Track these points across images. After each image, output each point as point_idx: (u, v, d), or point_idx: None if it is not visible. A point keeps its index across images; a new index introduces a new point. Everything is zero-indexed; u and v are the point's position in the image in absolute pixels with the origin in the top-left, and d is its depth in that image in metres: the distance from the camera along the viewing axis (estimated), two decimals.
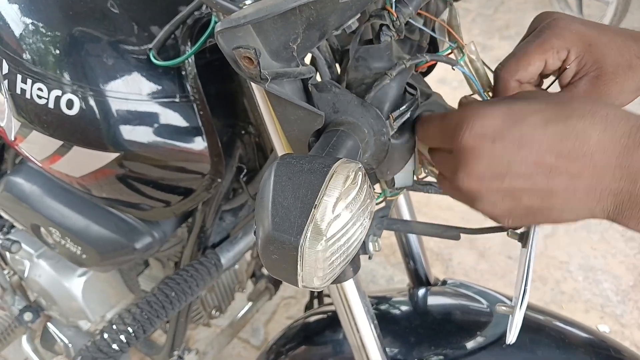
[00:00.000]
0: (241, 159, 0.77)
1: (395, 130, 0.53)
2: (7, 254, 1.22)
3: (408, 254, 0.93)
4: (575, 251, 2.04)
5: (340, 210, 0.37)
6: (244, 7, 0.48)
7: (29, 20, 0.66)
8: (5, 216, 1.02)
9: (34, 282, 1.19)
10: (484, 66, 0.58)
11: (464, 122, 0.43)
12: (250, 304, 1.30)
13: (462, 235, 0.64)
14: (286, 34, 0.48)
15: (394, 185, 0.58)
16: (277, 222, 0.35)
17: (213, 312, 1.11)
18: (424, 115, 0.53)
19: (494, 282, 1.99)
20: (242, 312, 1.28)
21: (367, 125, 0.52)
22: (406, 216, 0.90)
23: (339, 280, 0.63)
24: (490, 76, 0.59)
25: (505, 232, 0.61)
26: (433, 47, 0.68)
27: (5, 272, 1.30)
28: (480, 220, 0.55)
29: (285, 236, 0.35)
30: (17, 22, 0.66)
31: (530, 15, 3.21)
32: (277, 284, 1.29)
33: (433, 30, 0.62)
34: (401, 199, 0.89)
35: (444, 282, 0.93)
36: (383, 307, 0.91)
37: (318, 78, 0.56)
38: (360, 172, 0.40)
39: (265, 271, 1.33)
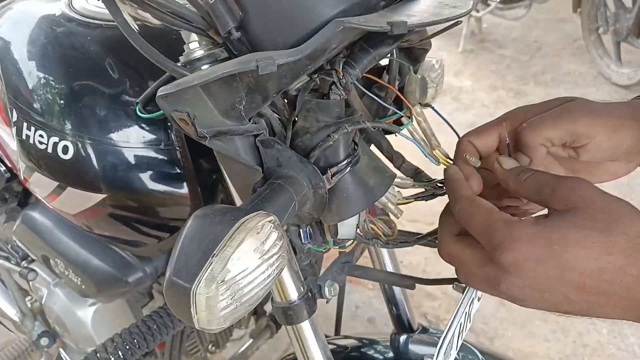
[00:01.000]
0: (222, 201, 0.83)
1: (332, 184, 0.57)
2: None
3: (391, 301, 0.95)
4: None
5: (241, 260, 0.41)
6: (194, 72, 0.55)
7: (36, 75, 0.75)
8: (22, 247, 1.11)
9: (51, 309, 1.28)
10: (430, 129, 0.62)
11: (506, 240, 0.44)
12: (250, 340, 1.33)
13: None
14: (231, 97, 0.54)
15: (337, 235, 0.62)
16: (177, 269, 0.40)
17: (210, 347, 1.16)
18: (471, 196, 0.52)
19: (513, 331, 1.95)
20: (242, 348, 1.32)
21: (306, 179, 0.56)
22: (388, 265, 0.92)
23: (294, 321, 0.67)
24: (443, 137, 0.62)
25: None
26: (397, 104, 0.72)
27: (28, 298, 1.40)
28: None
29: (181, 282, 0.40)
30: (27, 76, 0.76)
31: (566, 61, 3.21)
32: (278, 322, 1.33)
33: (385, 96, 0.67)
34: (384, 250, 0.92)
35: (425, 330, 0.94)
36: (364, 350, 0.93)
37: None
38: (269, 225, 0.45)
39: (267, 308, 1.37)
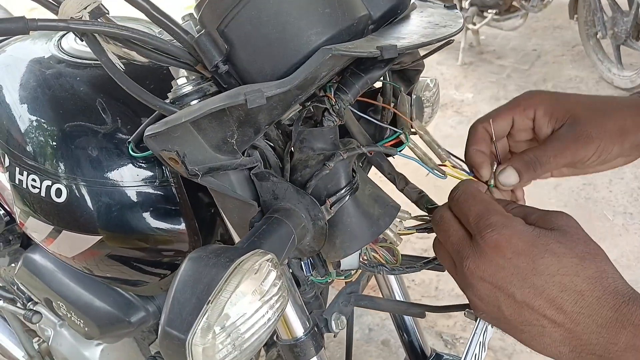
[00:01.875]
0: (222, 236, 0.81)
1: (332, 214, 0.55)
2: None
3: (402, 327, 0.92)
4: None
5: (239, 304, 0.39)
6: (184, 108, 0.53)
7: (27, 119, 0.74)
8: (24, 289, 1.09)
9: (57, 350, 1.25)
10: (436, 143, 0.61)
11: (498, 225, 0.47)
12: None
13: None
14: (222, 131, 0.52)
15: (339, 266, 0.59)
16: (170, 319, 0.38)
17: None
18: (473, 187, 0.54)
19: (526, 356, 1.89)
20: None
21: (304, 211, 0.54)
22: (397, 291, 0.89)
23: (301, 359, 0.64)
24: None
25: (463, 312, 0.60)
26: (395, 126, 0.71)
27: (35, 340, 1.38)
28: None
29: (175, 332, 0.38)
30: (18, 120, 0.75)
31: (566, 67, 3.19)
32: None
33: (381, 119, 0.65)
34: (391, 276, 0.89)
35: (439, 356, 0.91)
36: None
37: None
38: (267, 264, 0.42)
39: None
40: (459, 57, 3.85)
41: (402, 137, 0.62)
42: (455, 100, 3.43)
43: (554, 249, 0.45)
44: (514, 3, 3.64)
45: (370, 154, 0.65)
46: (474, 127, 0.61)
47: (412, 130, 0.64)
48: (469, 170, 0.62)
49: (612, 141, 0.55)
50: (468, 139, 0.61)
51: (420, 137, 0.63)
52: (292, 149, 0.58)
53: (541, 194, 2.50)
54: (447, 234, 0.51)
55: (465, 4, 3.76)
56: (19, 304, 1.30)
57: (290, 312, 0.63)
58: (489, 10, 3.71)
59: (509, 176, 0.58)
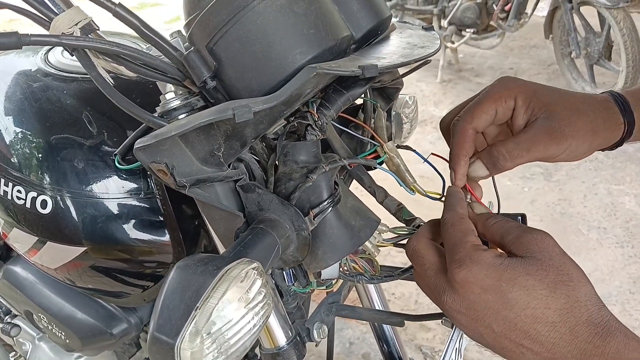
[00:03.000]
0: (206, 248, 0.82)
1: (315, 225, 0.57)
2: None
3: (381, 338, 0.94)
4: None
5: (226, 310, 0.41)
6: (172, 122, 0.55)
7: (13, 131, 0.75)
8: (4, 302, 1.08)
9: None
10: (405, 168, 0.62)
11: (466, 260, 0.47)
12: None
13: None
14: (209, 145, 0.54)
15: (320, 276, 0.61)
16: (159, 324, 0.40)
17: None
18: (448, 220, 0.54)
19: None
20: None
21: (289, 221, 0.56)
22: (377, 301, 0.91)
23: None
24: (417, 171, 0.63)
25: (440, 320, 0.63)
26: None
27: (12, 354, 1.36)
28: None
29: (164, 338, 0.39)
30: (4, 132, 0.75)
31: None
32: None
33: (362, 134, 0.68)
34: (371, 287, 0.91)
35: None
36: None
37: None
38: (253, 272, 0.44)
39: (257, 352, 1.34)
40: (438, 75, 3.93)
41: (379, 150, 0.64)
42: (435, 116, 3.49)
43: (522, 282, 0.45)
44: (492, 22, 3.75)
45: (351, 166, 0.67)
46: (462, 129, 0.58)
47: (384, 152, 0.66)
48: (433, 198, 0.62)
49: (583, 140, 0.56)
50: (456, 142, 0.59)
51: (390, 159, 0.65)
52: (277, 162, 0.60)
53: (518, 208, 2.55)
54: (423, 268, 0.51)
55: (444, 23, 3.85)
56: None
57: (273, 322, 0.64)
58: (467, 30, 3.80)
59: (478, 169, 0.58)
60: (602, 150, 0.61)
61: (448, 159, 0.61)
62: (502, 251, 0.50)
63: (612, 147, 0.61)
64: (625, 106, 0.59)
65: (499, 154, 0.56)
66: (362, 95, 0.68)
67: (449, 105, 3.63)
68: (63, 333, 0.91)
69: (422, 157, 0.66)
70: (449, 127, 0.61)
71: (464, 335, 0.60)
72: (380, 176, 0.70)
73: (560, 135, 0.55)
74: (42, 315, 0.95)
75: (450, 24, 3.83)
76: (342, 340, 1.97)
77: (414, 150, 0.70)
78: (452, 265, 0.47)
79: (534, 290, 0.45)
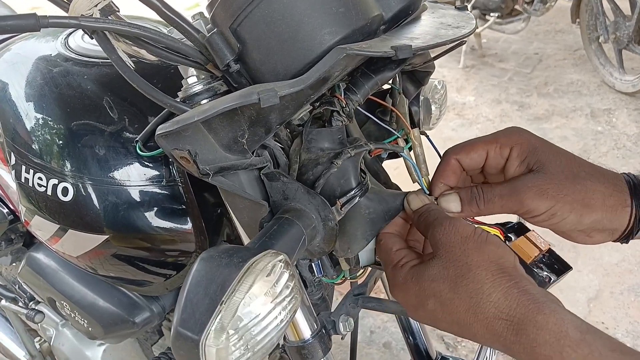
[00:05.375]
0: (228, 236, 0.81)
1: (342, 215, 0.55)
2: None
3: (407, 330, 0.92)
4: (623, 316, 1.92)
5: (252, 305, 0.39)
6: (194, 107, 0.53)
7: (34, 117, 0.74)
8: (28, 289, 1.09)
9: (59, 350, 1.25)
10: (423, 158, 0.60)
11: (390, 282, 0.51)
12: None
13: None
14: (233, 131, 0.52)
15: (358, 263, 0.59)
16: (183, 319, 0.38)
17: None
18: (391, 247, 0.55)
19: None
20: None
21: (315, 211, 0.54)
22: None
23: None
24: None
25: None
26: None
27: (36, 339, 1.37)
28: None
29: (189, 333, 0.37)
30: (25, 118, 0.74)
31: (568, 71, 3.19)
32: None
33: (390, 119, 0.65)
34: None
35: (445, 359, 0.91)
36: None
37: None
38: (279, 265, 0.42)
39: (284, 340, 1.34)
40: (461, 60, 3.85)
41: (400, 141, 0.61)
42: (457, 103, 3.43)
43: (430, 291, 0.45)
44: (517, 7, 3.65)
45: (372, 154, 0.64)
46: (445, 156, 0.58)
47: (409, 137, 0.64)
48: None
49: (569, 209, 0.51)
50: (437, 169, 0.59)
51: (412, 147, 0.63)
52: (301, 150, 0.58)
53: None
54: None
55: (468, 7, 3.76)
56: (20, 304, 1.30)
57: (298, 314, 0.62)
58: (492, 14, 3.71)
59: (450, 201, 0.55)
60: (614, 241, 0.55)
61: None
62: (416, 263, 0.50)
63: (622, 239, 0.54)
64: (638, 189, 0.52)
65: (475, 192, 0.54)
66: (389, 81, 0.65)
67: (472, 91, 3.56)
68: (86, 321, 0.91)
69: (436, 150, 0.63)
70: None
71: None
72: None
73: (543, 193, 0.51)
74: (64, 303, 0.94)
75: (474, 8, 3.74)
76: (363, 328, 1.96)
77: (431, 142, 0.67)
78: (393, 293, 0.51)
79: (441, 296, 0.45)
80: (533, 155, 0.53)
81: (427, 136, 0.64)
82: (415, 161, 0.60)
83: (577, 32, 3.68)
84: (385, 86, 0.69)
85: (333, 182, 0.56)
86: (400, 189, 0.64)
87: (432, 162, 0.62)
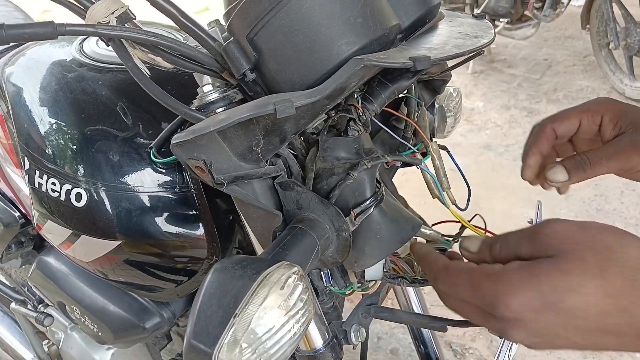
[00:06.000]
0: (240, 243, 0.81)
1: (356, 225, 0.54)
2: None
3: (418, 339, 0.91)
4: None
5: (266, 318, 0.39)
6: (210, 116, 0.53)
7: (48, 122, 0.74)
8: (37, 292, 1.09)
9: (68, 353, 1.25)
10: (443, 171, 0.60)
11: (498, 297, 0.42)
12: None
13: None
14: (248, 140, 0.51)
15: (364, 277, 0.59)
16: (196, 332, 0.38)
17: None
18: (446, 265, 0.48)
19: (542, 356, 1.87)
20: None
21: (328, 221, 0.54)
22: (415, 304, 0.88)
23: None
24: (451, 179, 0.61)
25: None
26: (416, 138, 0.70)
27: (45, 342, 1.38)
28: None
29: (202, 346, 0.37)
30: (39, 123, 0.74)
31: (578, 77, 3.17)
32: None
33: (405, 128, 0.65)
34: (410, 290, 0.88)
35: None
36: None
37: None
38: (293, 277, 0.42)
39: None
40: (470, 66, 3.84)
41: (417, 154, 0.61)
42: (466, 108, 3.41)
43: (567, 286, 0.39)
44: (526, 12, 3.64)
45: (389, 164, 0.64)
46: (541, 126, 0.62)
47: (428, 150, 0.63)
48: (459, 208, 0.60)
49: None
50: (532, 137, 0.62)
51: (432, 161, 0.62)
52: (316, 159, 0.57)
53: (552, 204, 2.48)
54: (473, 319, 0.45)
55: (486, 17, 3.75)
56: (29, 306, 1.30)
57: (310, 324, 0.62)
58: (501, 20, 3.70)
59: (557, 173, 0.58)
60: None
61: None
62: (521, 263, 0.43)
63: None
64: None
65: (581, 159, 0.57)
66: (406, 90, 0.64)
67: (480, 96, 3.55)
68: (95, 325, 0.91)
69: (455, 162, 0.63)
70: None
71: (513, 345, 0.56)
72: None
73: None
74: (74, 307, 0.95)
75: (483, 13, 3.73)
76: (370, 335, 1.95)
77: (449, 152, 0.67)
78: (493, 311, 0.42)
79: (584, 287, 0.39)
80: (625, 119, 0.58)
81: (448, 151, 0.63)
82: (435, 174, 0.59)
83: (587, 38, 3.66)
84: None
85: (348, 192, 0.55)
86: (406, 203, 0.63)
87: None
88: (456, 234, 0.60)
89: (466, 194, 0.64)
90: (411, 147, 0.61)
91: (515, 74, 3.79)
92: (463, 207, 0.61)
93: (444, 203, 0.61)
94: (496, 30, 3.71)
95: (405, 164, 0.68)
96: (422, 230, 0.61)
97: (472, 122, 3.26)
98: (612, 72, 3.44)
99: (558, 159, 0.63)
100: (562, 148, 0.65)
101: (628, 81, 3.33)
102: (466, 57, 0.51)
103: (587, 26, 3.51)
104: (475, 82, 3.76)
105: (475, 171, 2.70)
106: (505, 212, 2.44)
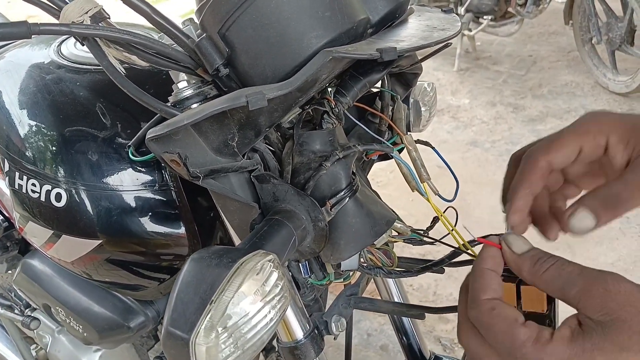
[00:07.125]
0: (221, 239, 0.81)
1: (332, 215, 0.55)
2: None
3: (400, 330, 0.92)
4: None
5: (241, 304, 0.40)
6: (183, 112, 0.53)
7: (27, 124, 0.74)
8: (23, 296, 1.09)
9: (55, 357, 1.25)
10: (421, 162, 0.60)
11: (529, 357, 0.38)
12: None
13: None
14: (223, 134, 0.52)
15: (340, 268, 0.60)
16: (174, 319, 0.38)
17: None
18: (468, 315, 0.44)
19: None
20: None
21: (305, 212, 0.55)
22: (395, 294, 0.89)
23: None
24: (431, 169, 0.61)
25: None
26: (392, 132, 0.71)
27: (33, 346, 1.37)
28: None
29: (179, 332, 0.38)
30: (18, 125, 0.75)
31: (562, 73, 3.20)
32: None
33: (380, 122, 0.66)
34: (390, 280, 0.89)
35: (438, 359, 0.91)
36: None
37: None
38: (269, 265, 0.43)
39: (275, 344, 1.34)
40: (455, 63, 3.87)
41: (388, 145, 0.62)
42: (452, 105, 3.44)
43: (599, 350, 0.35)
44: (510, 9, 3.67)
45: (368, 157, 0.65)
46: (532, 159, 0.49)
47: (403, 141, 0.64)
48: (445, 199, 0.59)
49: None
50: (520, 173, 0.49)
51: (408, 153, 0.63)
52: (293, 153, 0.58)
53: None
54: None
55: (461, 10, 3.79)
56: (16, 311, 1.30)
57: (291, 315, 0.63)
58: (485, 17, 3.73)
59: (584, 219, 0.44)
60: None
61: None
62: (572, 331, 0.38)
63: None
64: None
65: (609, 195, 0.44)
66: (379, 84, 0.66)
67: (466, 94, 3.58)
68: (81, 326, 0.91)
69: (440, 156, 0.64)
70: (520, 159, 0.51)
71: None
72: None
73: None
74: (59, 309, 0.95)
75: (467, 11, 3.76)
76: (360, 331, 1.96)
77: (433, 148, 0.67)
78: None
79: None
80: (635, 137, 0.46)
81: (433, 147, 0.63)
82: (413, 166, 0.60)
83: (570, 33, 3.70)
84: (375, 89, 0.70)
85: (324, 184, 0.56)
86: (379, 195, 0.64)
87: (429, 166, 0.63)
88: (428, 227, 0.61)
89: (453, 189, 0.63)
90: (382, 140, 0.62)
91: (500, 71, 3.83)
92: (450, 198, 0.60)
93: (422, 194, 0.62)
94: (480, 27, 3.75)
95: (382, 157, 0.69)
96: (395, 224, 0.63)
97: (458, 119, 3.28)
98: (596, 66, 3.49)
99: (569, 201, 0.52)
100: (550, 179, 0.51)
101: (611, 75, 3.37)
102: (434, 48, 0.52)
103: (570, 22, 3.55)
104: (461, 79, 3.79)
105: (462, 167, 2.72)
106: (492, 208, 2.46)
